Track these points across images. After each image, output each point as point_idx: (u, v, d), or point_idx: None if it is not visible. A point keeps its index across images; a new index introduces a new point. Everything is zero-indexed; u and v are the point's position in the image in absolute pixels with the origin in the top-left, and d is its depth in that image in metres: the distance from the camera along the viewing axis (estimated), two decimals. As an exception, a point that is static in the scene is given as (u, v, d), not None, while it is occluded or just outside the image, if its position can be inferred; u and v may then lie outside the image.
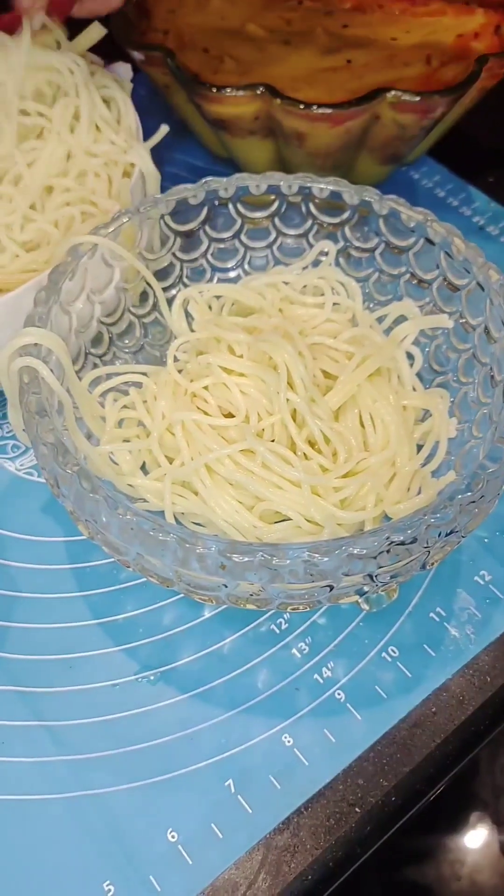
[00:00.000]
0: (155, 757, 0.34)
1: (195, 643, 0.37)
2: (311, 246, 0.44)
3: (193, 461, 0.36)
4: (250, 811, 0.32)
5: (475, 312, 0.39)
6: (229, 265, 0.45)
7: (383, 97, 0.45)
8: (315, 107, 0.45)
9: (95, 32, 0.48)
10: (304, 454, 0.37)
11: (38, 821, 0.32)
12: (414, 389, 0.41)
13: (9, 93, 0.43)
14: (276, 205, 0.43)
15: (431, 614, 0.38)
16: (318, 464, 0.36)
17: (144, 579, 0.37)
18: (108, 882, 0.31)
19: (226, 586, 0.30)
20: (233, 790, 0.33)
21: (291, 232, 0.44)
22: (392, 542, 0.29)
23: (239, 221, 0.44)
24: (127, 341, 0.43)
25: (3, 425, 0.45)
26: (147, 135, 0.46)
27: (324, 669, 0.36)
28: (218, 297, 0.44)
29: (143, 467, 0.39)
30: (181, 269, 0.44)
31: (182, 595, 0.37)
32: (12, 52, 0.44)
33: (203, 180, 0.42)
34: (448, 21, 0.54)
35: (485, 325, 0.38)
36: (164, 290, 0.43)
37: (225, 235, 0.44)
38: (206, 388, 0.38)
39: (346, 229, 0.43)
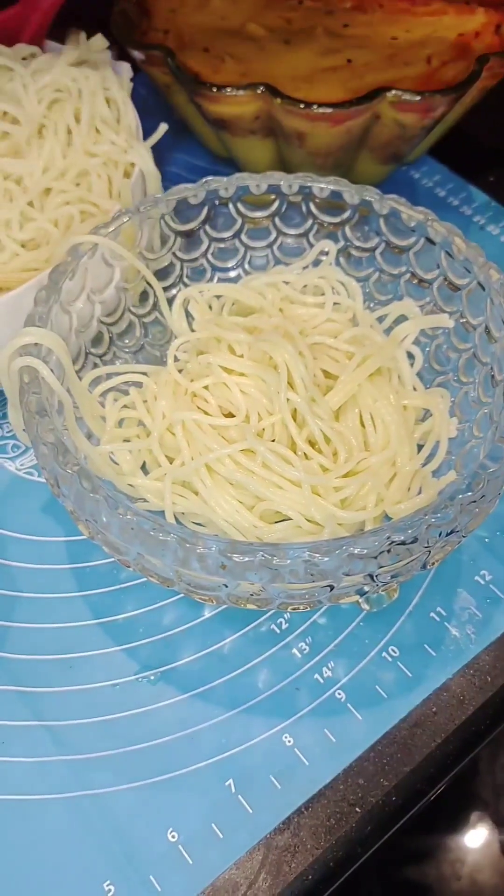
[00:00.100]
0: (155, 757, 0.34)
1: (195, 643, 0.37)
2: (311, 245, 0.44)
3: (194, 461, 0.36)
4: (251, 811, 0.32)
5: (476, 312, 0.38)
6: (230, 265, 0.45)
7: (384, 97, 0.45)
8: (315, 106, 0.45)
9: (98, 44, 0.48)
10: (305, 454, 0.37)
11: (38, 821, 0.32)
12: (414, 389, 0.41)
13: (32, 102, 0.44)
14: (276, 204, 0.43)
15: (432, 614, 0.38)
16: (318, 463, 0.36)
17: (145, 579, 0.37)
18: (108, 882, 0.31)
19: (226, 586, 0.30)
20: (233, 790, 0.33)
21: (292, 231, 0.44)
22: (393, 542, 0.29)
23: (239, 221, 0.44)
24: (127, 341, 0.43)
25: (3, 425, 0.45)
26: (147, 134, 0.46)
27: (324, 669, 0.36)
28: (218, 297, 0.44)
29: (143, 467, 0.39)
30: (181, 269, 0.44)
31: (182, 595, 0.37)
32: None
33: (203, 180, 0.42)
34: (449, 20, 0.54)
35: (485, 324, 0.38)
36: (165, 289, 0.43)
37: (225, 235, 0.44)
38: (206, 387, 0.38)
39: (347, 229, 0.43)
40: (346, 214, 0.43)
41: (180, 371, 0.40)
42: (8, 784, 0.33)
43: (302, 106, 0.45)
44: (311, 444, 0.37)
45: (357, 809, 0.33)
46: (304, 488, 0.35)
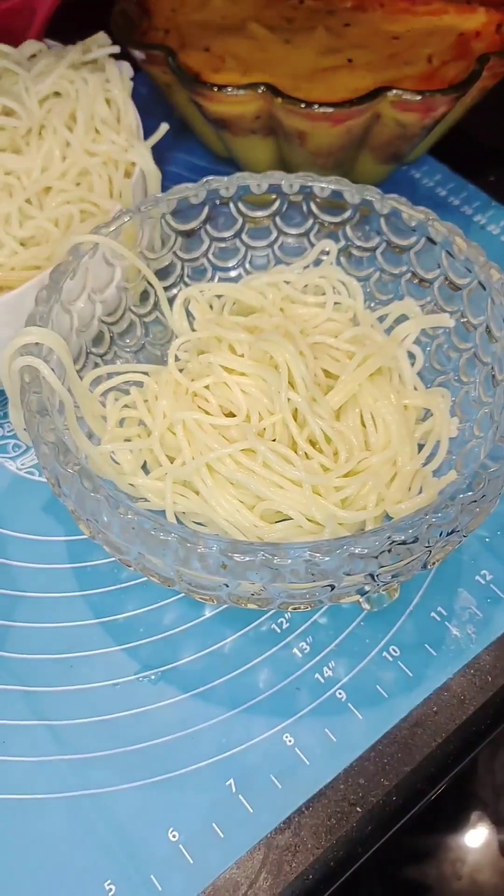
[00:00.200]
0: (156, 756, 0.34)
1: (196, 643, 0.37)
2: (312, 245, 0.44)
3: (194, 460, 0.36)
4: (251, 811, 0.32)
5: (476, 312, 0.38)
6: (230, 264, 0.45)
7: (384, 96, 0.45)
8: (316, 106, 0.45)
9: (100, 40, 0.48)
10: (306, 453, 0.37)
11: (38, 820, 0.32)
12: (415, 389, 0.41)
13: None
14: (277, 204, 0.43)
15: (432, 614, 0.38)
16: (319, 463, 0.36)
17: (145, 579, 0.37)
18: (109, 881, 0.31)
19: (227, 586, 0.30)
20: (234, 790, 0.33)
21: (292, 231, 0.44)
22: (393, 542, 0.29)
23: (240, 220, 0.44)
24: (128, 340, 0.43)
25: (4, 424, 0.45)
26: (147, 134, 0.46)
27: (325, 669, 0.36)
28: (219, 297, 0.44)
29: (144, 467, 0.39)
30: (182, 269, 0.44)
31: (183, 594, 0.37)
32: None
33: (204, 179, 0.42)
34: (449, 19, 0.54)
35: (486, 324, 0.38)
36: (165, 289, 0.43)
37: (226, 234, 0.44)
38: (207, 387, 0.38)
39: (348, 228, 0.43)
40: (347, 214, 0.43)
41: (181, 371, 0.40)
42: (8, 783, 0.33)
43: (303, 105, 0.45)
44: (312, 443, 0.37)
45: (358, 809, 0.33)
46: (304, 488, 0.35)
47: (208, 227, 0.44)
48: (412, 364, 0.41)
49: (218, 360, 0.38)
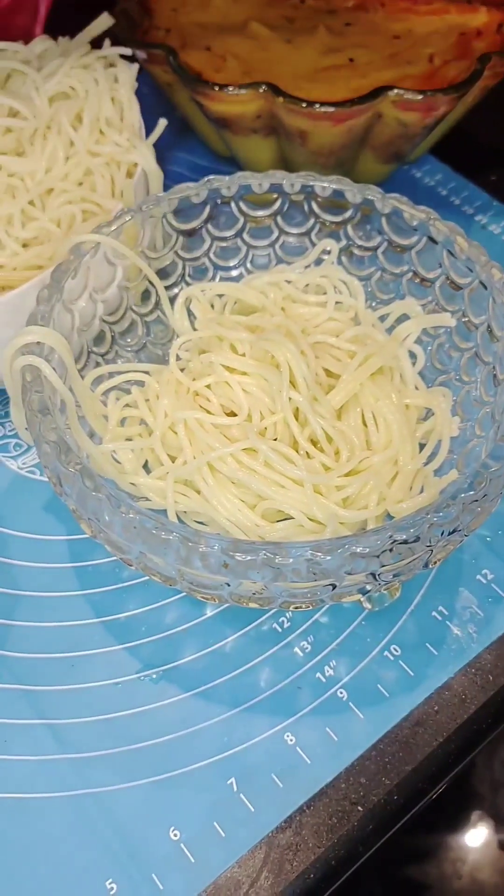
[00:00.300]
0: (157, 755, 0.34)
1: (197, 642, 0.37)
2: (313, 244, 0.44)
3: (196, 460, 0.36)
4: (252, 810, 0.32)
5: (478, 311, 0.38)
6: (231, 264, 0.45)
7: (386, 95, 0.45)
8: (317, 105, 0.45)
9: (104, 22, 0.48)
10: (307, 453, 0.37)
11: (39, 819, 0.32)
12: (416, 388, 0.41)
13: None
14: (278, 203, 0.43)
15: (434, 613, 0.38)
16: (320, 462, 0.36)
17: (147, 578, 0.37)
18: (110, 880, 0.31)
19: (228, 585, 0.30)
20: (235, 789, 0.33)
21: (294, 230, 0.44)
22: (395, 541, 0.29)
23: (241, 220, 0.44)
24: (129, 340, 0.43)
25: (5, 424, 0.45)
26: (147, 133, 0.46)
27: (326, 668, 0.36)
28: (220, 296, 0.44)
29: (145, 466, 0.39)
30: (183, 268, 0.44)
31: (184, 594, 0.37)
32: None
33: (205, 179, 0.42)
34: (451, 19, 0.54)
35: (487, 323, 0.38)
36: (167, 288, 0.43)
37: (227, 234, 0.44)
38: (208, 386, 0.38)
39: (349, 228, 0.43)
40: (348, 213, 0.43)
41: (182, 370, 0.40)
42: (10, 782, 0.33)
43: (304, 105, 0.45)
44: (313, 442, 0.37)
45: (359, 808, 0.33)
46: (306, 487, 0.35)
47: (209, 226, 0.44)
48: (413, 363, 0.41)
49: (219, 359, 0.38)
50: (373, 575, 0.30)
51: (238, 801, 0.33)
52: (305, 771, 0.33)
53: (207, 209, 0.43)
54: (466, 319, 0.39)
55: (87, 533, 0.33)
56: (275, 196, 0.43)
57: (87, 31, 0.48)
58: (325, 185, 0.42)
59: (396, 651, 0.36)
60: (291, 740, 0.34)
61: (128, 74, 0.46)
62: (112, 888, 0.31)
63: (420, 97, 0.45)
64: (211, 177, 0.42)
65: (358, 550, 0.29)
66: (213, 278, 0.45)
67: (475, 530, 0.32)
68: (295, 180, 0.42)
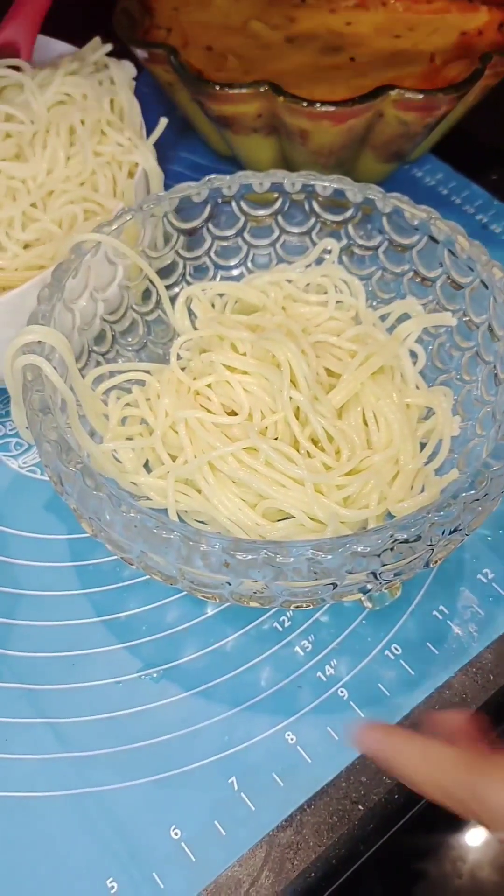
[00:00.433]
0: (158, 754, 0.34)
1: (198, 641, 0.37)
2: (314, 244, 0.44)
3: (197, 459, 0.36)
4: (253, 808, 0.32)
5: (478, 310, 0.38)
6: (232, 263, 0.45)
7: (386, 95, 0.45)
8: (318, 104, 0.45)
9: (95, 47, 0.48)
10: (308, 452, 0.37)
11: (41, 818, 0.32)
12: (417, 387, 0.41)
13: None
14: (279, 203, 0.43)
15: (434, 612, 0.38)
16: (321, 462, 0.36)
17: (147, 577, 0.37)
18: (111, 879, 0.31)
19: (229, 584, 0.30)
20: (236, 787, 0.33)
21: (294, 230, 0.44)
22: (396, 540, 0.29)
23: (242, 219, 0.44)
24: (130, 339, 0.43)
25: (6, 423, 0.45)
26: (148, 132, 0.46)
27: (326, 667, 0.36)
28: (221, 295, 0.44)
29: (146, 465, 0.39)
30: (184, 267, 0.44)
31: (185, 593, 0.37)
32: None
33: (206, 178, 0.42)
34: (452, 18, 0.54)
35: (488, 323, 0.38)
36: (168, 287, 0.43)
37: (228, 233, 0.44)
38: (209, 385, 0.38)
39: (350, 227, 0.43)
40: (349, 213, 0.43)
41: (183, 369, 0.40)
42: (11, 782, 0.33)
43: (305, 104, 0.45)
44: (314, 442, 0.37)
45: (359, 807, 0.33)
46: (306, 486, 0.35)
47: (210, 225, 0.44)
48: (414, 363, 0.41)
49: (220, 358, 0.38)
50: (374, 574, 0.30)
51: (239, 799, 0.33)
52: (306, 770, 0.33)
53: (208, 208, 0.43)
54: (467, 319, 0.39)
55: (87, 532, 0.33)
56: (275, 195, 0.43)
57: (78, 55, 0.48)
58: (326, 184, 0.42)
59: (397, 650, 0.36)
60: (292, 739, 0.34)
61: (123, 75, 0.46)
62: (113, 887, 0.31)
63: (421, 96, 0.45)
64: (212, 176, 0.42)
65: (359, 549, 0.29)
66: (214, 277, 0.45)
67: (476, 529, 0.32)
68: (296, 179, 0.42)
